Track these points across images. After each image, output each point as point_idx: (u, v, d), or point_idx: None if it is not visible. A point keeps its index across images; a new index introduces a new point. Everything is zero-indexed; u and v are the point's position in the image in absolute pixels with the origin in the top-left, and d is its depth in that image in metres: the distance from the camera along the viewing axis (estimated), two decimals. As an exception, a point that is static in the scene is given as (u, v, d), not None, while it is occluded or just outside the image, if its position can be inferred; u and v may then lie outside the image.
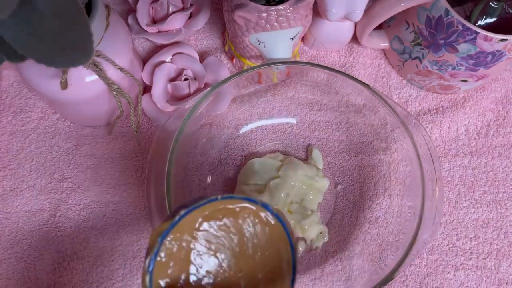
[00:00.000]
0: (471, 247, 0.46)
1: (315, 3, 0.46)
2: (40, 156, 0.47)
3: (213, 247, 0.28)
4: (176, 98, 0.48)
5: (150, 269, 0.25)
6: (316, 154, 0.48)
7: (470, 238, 0.46)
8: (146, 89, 0.49)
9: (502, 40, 0.42)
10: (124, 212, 0.45)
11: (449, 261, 0.45)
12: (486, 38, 0.42)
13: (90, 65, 0.38)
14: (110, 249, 0.44)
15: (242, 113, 0.48)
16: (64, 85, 0.38)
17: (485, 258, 0.45)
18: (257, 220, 0.28)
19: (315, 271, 0.44)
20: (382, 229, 0.44)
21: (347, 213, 0.46)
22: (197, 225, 0.27)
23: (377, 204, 0.46)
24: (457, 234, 0.46)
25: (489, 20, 0.48)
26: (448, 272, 0.45)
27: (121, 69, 0.41)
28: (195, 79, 0.48)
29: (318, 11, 0.47)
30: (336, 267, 0.44)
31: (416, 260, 0.45)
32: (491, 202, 0.47)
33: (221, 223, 0.28)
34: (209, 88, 0.41)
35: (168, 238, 0.26)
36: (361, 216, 0.45)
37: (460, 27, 0.43)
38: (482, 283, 0.44)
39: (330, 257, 0.44)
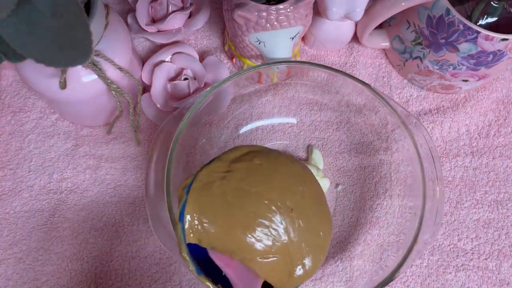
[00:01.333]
0: (472, 248, 0.45)
1: (315, 3, 0.46)
2: (39, 156, 0.47)
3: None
4: (176, 98, 0.48)
5: (181, 218, 0.27)
6: (317, 154, 0.48)
7: (471, 238, 0.46)
8: (146, 88, 0.49)
9: (503, 39, 0.42)
10: (123, 213, 0.45)
11: (450, 261, 0.45)
12: (487, 38, 0.42)
13: (89, 64, 0.38)
14: (109, 249, 0.44)
15: (242, 113, 0.48)
16: (63, 85, 0.38)
17: (486, 259, 0.45)
18: None
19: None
20: (383, 230, 0.44)
21: (347, 214, 0.46)
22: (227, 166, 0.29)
23: (377, 204, 0.46)
24: (458, 235, 0.46)
25: (490, 20, 0.48)
26: (449, 273, 0.45)
27: (121, 69, 0.40)
28: (195, 79, 0.48)
29: (318, 11, 0.47)
30: (337, 267, 0.43)
31: (417, 260, 0.45)
32: (492, 202, 0.47)
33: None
34: (208, 88, 0.40)
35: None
36: (361, 217, 0.45)
37: (461, 26, 0.42)
38: (483, 283, 0.44)
39: (330, 258, 0.44)
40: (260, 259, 0.27)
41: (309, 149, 0.48)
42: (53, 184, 0.46)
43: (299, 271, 0.28)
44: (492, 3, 0.47)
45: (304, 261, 0.28)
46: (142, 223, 0.45)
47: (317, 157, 0.48)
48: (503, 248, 0.46)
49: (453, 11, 0.42)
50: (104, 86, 0.40)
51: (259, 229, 0.27)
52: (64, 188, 0.46)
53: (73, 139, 0.48)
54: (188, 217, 0.27)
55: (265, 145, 0.48)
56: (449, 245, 0.46)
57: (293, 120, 0.49)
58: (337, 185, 0.47)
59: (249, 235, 0.27)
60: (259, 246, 0.27)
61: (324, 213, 0.30)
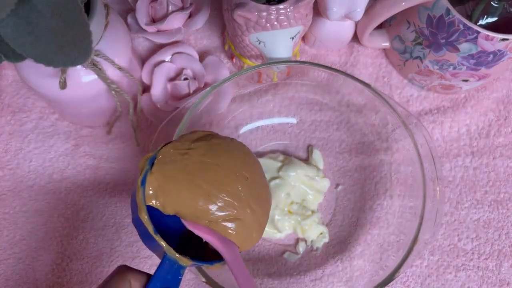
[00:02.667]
0: (472, 248, 0.45)
1: (315, 2, 0.46)
2: (39, 156, 0.47)
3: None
4: (176, 98, 0.48)
5: (143, 184, 0.30)
6: (317, 154, 0.48)
7: (472, 238, 0.46)
8: (146, 88, 0.49)
9: (504, 39, 0.42)
10: (123, 213, 0.45)
11: (450, 261, 0.45)
12: (487, 38, 0.42)
13: (89, 64, 0.38)
14: (109, 249, 0.44)
15: (242, 113, 0.48)
16: (63, 85, 0.38)
17: (486, 259, 0.45)
18: None
19: (315, 272, 0.43)
20: (383, 230, 0.44)
21: (347, 214, 0.46)
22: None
23: (378, 204, 0.46)
24: (458, 235, 0.46)
25: (490, 20, 0.48)
26: (450, 273, 0.45)
27: (120, 69, 0.40)
28: (195, 79, 0.48)
29: (318, 10, 0.47)
30: (337, 267, 0.43)
31: (417, 260, 0.45)
32: (492, 202, 0.47)
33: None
34: (208, 88, 0.40)
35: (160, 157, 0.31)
36: (362, 217, 0.45)
37: (461, 26, 0.42)
38: (483, 283, 0.44)
39: (330, 258, 0.44)
40: (223, 223, 0.30)
41: (309, 149, 0.48)
42: (53, 184, 0.46)
43: (256, 233, 0.32)
44: (492, 3, 0.47)
45: (260, 223, 0.32)
46: (142, 223, 0.45)
47: (317, 157, 0.48)
48: (503, 248, 0.46)
49: (453, 11, 0.42)
50: (104, 86, 0.40)
51: (221, 195, 0.30)
52: (64, 188, 0.46)
53: (73, 139, 0.48)
54: (152, 184, 0.30)
55: (265, 145, 0.48)
56: (449, 245, 0.46)
57: (293, 120, 0.49)
58: (337, 185, 0.47)
59: (212, 200, 0.30)
60: (220, 210, 0.30)
61: (267, 186, 0.35)
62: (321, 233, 0.45)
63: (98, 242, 0.44)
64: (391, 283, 0.37)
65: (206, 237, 0.30)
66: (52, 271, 0.43)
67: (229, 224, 0.30)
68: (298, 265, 0.44)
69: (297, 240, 0.45)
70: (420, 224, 0.38)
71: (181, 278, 0.30)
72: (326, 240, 0.45)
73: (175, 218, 0.31)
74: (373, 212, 0.45)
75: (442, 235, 0.46)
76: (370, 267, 0.42)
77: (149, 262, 0.43)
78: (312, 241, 0.44)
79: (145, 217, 0.29)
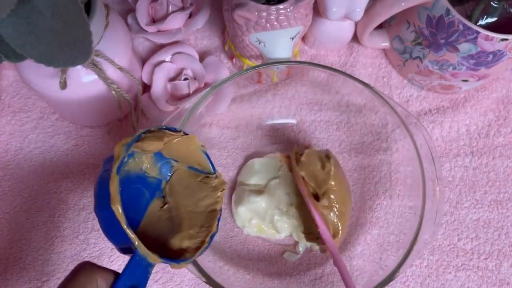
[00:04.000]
0: (472, 248, 0.45)
1: (315, 3, 0.46)
2: (39, 156, 0.47)
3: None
4: (176, 98, 0.48)
5: (118, 172, 0.29)
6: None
7: (471, 238, 0.46)
8: (146, 88, 0.49)
9: (503, 39, 0.42)
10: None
11: (450, 261, 0.45)
12: (487, 38, 0.42)
13: (89, 64, 0.38)
14: (110, 249, 0.44)
15: (242, 113, 0.48)
16: (63, 85, 0.38)
17: (486, 259, 0.45)
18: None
19: (315, 271, 0.44)
20: (383, 230, 0.44)
21: (347, 214, 0.46)
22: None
23: (377, 204, 0.46)
24: (458, 235, 0.46)
25: (490, 20, 0.48)
26: (449, 273, 0.45)
27: (121, 69, 0.40)
28: (195, 79, 0.48)
29: (318, 11, 0.47)
30: (337, 267, 0.43)
31: (417, 260, 0.45)
32: (492, 202, 0.47)
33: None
34: (209, 88, 0.40)
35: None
36: (361, 217, 0.45)
37: (461, 26, 0.42)
38: (483, 283, 0.44)
39: (330, 258, 0.44)
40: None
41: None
42: (53, 184, 0.46)
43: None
44: (492, 3, 0.47)
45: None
46: (142, 223, 0.45)
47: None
48: (503, 248, 0.46)
49: (453, 11, 0.42)
50: (104, 86, 0.40)
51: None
52: (64, 188, 0.46)
53: (73, 139, 0.48)
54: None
55: (265, 145, 0.48)
56: (449, 245, 0.46)
57: (293, 120, 0.49)
58: (337, 185, 0.47)
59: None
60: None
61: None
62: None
63: (98, 242, 0.44)
64: (391, 283, 0.37)
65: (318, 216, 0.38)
66: (53, 271, 0.43)
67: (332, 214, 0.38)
68: (298, 265, 0.44)
69: (296, 242, 0.45)
70: (420, 224, 0.38)
71: (149, 276, 0.29)
72: None
73: (136, 216, 0.31)
74: (373, 212, 0.45)
75: (442, 235, 0.46)
76: (370, 267, 0.42)
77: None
78: (312, 244, 0.44)
79: (118, 209, 0.27)
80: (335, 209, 0.39)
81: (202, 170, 0.37)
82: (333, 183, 0.40)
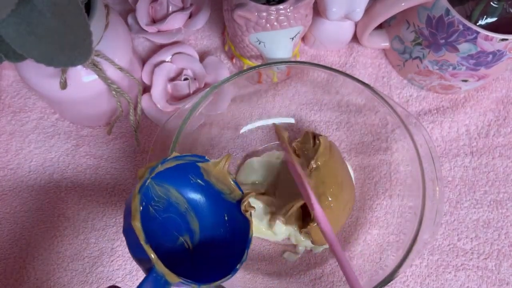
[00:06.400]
0: (471, 248, 0.46)
1: (315, 3, 0.46)
2: (39, 156, 0.47)
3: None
4: (176, 98, 0.48)
5: (140, 191, 0.30)
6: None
7: (471, 238, 0.46)
8: (146, 89, 0.49)
9: (503, 39, 0.42)
10: (123, 213, 0.45)
11: (450, 261, 0.45)
12: (486, 38, 0.42)
13: (89, 64, 0.38)
14: (110, 249, 0.44)
15: (242, 113, 0.48)
16: (64, 85, 0.38)
17: (486, 259, 0.45)
18: None
19: (315, 271, 0.44)
20: (383, 230, 0.44)
21: (347, 213, 0.46)
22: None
23: (377, 204, 0.46)
24: (457, 235, 0.46)
25: (489, 20, 0.48)
26: (449, 273, 0.45)
27: (121, 69, 0.41)
28: (195, 79, 0.48)
29: (318, 11, 0.47)
30: (337, 267, 0.43)
31: (417, 260, 0.45)
32: (491, 202, 0.47)
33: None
34: (209, 88, 0.40)
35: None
36: (361, 217, 0.45)
37: (460, 26, 0.42)
38: (483, 283, 0.44)
39: (330, 258, 0.44)
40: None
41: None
42: (53, 183, 0.46)
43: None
44: (491, 3, 0.47)
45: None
46: (142, 223, 0.45)
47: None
48: (503, 248, 0.46)
49: (453, 11, 0.42)
50: (104, 86, 0.41)
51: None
52: (64, 188, 0.46)
53: (74, 139, 0.48)
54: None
55: (265, 145, 0.48)
56: (448, 245, 0.46)
57: (293, 120, 0.49)
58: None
59: None
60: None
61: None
62: None
63: (98, 242, 0.44)
64: (391, 283, 0.37)
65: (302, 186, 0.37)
66: (53, 270, 0.43)
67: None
68: (298, 265, 0.44)
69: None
70: (420, 224, 0.38)
71: None
72: (326, 245, 0.44)
73: (167, 237, 0.32)
74: (372, 212, 0.45)
75: (442, 235, 0.46)
76: (369, 267, 0.42)
77: (149, 262, 0.43)
78: (312, 247, 0.44)
79: (137, 225, 0.28)
80: (310, 186, 0.38)
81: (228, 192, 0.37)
82: (319, 162, 0.40)
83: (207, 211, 0.37)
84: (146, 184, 0.31)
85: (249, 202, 0.36)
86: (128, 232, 0.29)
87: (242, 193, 0.36)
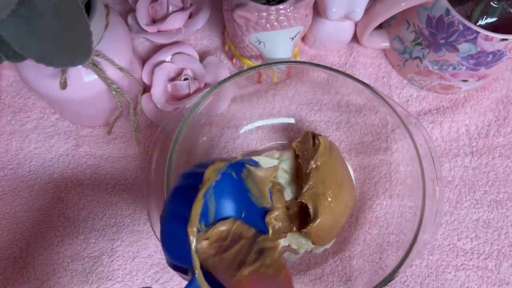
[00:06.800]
0: (471, 248, 0.46)
1: (315, 3, 0.46)
2: (39, 156, 0.47)
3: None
4: (176, 98, 0.48)
5: (205, 196, 0.28)
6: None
7: (471, 238, 0.46)
8: (146, 89, 0.49)
9: (503, 39, 0.42)
10: (123, 213, 0.45)
11: (450, 261, 0.45)
12: (486, 38, 0.42)
13: (89, 64, 0.38)
14: (110, 249, 0.44)
15: (242, 113, 0.48)
16: (64, 85, 0.38)
17: (486, 259, 0.45)
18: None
19: (315, 271, 0.44)
20: (383, 230, 0.44)
21: (347, 213, 0.46)
22: None
23: (377, 204, 0.46)
24: (457, 235, 0.46)
25: (489, 20, 0.48)
26: (449, 273, 0.45)
27: (121, 69, 0.41)
28: (195, 79, 0.48)
29: (318, 11, 0.47)
30: (337, 267, 0.43)
31: (417, 260, 0.45)
32: (491, 202, 0.47)
33: None
34: (209, 88, 0.40)
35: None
36: (361, 217, 0.45)
37: (460, 26, 0.42)
38: (483, 283, 0.44)
39: (330, 258, 0.44)
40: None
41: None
42: (53, 183, 0.46)
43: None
44: (491, 3, 0.47)
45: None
46: (142, 223, 0.45)
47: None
48: (503, 248, 0.46)
49: (453, 11, 0.42)
50: (104, 86, 0.41)
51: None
52: (64, 188, 0.46)
53: (74, 139, 0.48)
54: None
55: (265, 145, 0.48)
56: (448, 245, 0.46)
57: (293, 120, 0.49)
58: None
59: None
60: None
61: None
62: None
63: (99, 242, 0.44)
64: (391, 283, 0.37)
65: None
66: (53, 270, 0.43)
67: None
68: (298, 265, 0.44)
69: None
70: (420, 224, 0.38)
71: None
72: (327, 246, 0.44)
73: None
74: (372, 212, 0.45)
75: (442, 235, 0.46)
76: (369, 267, 0.42)
77: (149, 262, 0.43)
78: (312, 248, 0.44)
79: (194, 232, 0.27)
80: (310, 187, 0.39)
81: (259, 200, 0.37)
82: (319, 162, 0.40)
83: (227, 201, 0.36)
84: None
85: (275, 217, 0.36)
86: (171, 225, 0.28)
87: (272, 203, 0.37)
